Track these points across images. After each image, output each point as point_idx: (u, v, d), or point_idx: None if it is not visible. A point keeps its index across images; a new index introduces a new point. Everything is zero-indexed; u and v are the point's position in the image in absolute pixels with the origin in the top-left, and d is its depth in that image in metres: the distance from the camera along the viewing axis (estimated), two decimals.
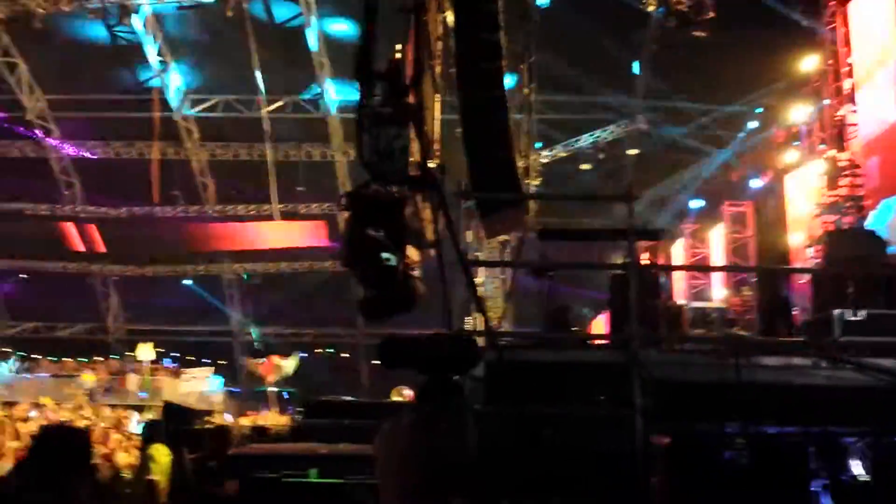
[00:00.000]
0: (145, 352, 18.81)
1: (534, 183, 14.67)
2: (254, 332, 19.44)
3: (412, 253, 4.79)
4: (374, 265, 4.62)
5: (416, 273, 4.84)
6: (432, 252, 5.20)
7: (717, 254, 17.52)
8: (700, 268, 15.46)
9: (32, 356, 22.58)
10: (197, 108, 20.22)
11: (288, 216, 21.40)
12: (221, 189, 21.63)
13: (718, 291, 16.59)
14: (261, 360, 21.04)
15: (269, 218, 21.32)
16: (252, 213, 21.57)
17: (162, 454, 7.31)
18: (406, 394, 13.01)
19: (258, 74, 18.15)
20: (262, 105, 19.68)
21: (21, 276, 22.67)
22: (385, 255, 4.60)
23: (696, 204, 18.99)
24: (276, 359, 20.47)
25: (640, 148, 19.16)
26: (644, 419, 4.03)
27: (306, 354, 23.37)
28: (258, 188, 21.11)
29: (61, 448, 2.60)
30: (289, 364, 20.38)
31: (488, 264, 13.87)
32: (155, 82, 19.05)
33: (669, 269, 9.41)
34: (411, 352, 3.96)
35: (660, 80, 17.58)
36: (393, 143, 4.75)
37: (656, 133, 18.93)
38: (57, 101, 20.19)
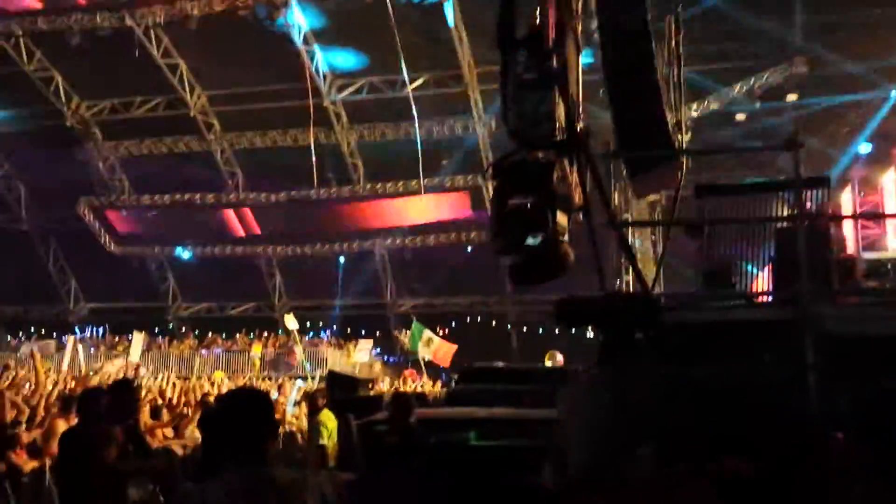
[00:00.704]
0: (290, 321, 19.80)
1: (685, 138, 14.01)
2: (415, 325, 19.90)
3: (561, 218, 4.76)
4: (522, 233, 4.65)
5: (565, 238, 4.82)
6: (580, 216, 5.14)
7: (891, 201, 16.14)
8: (874, 214, 14.30)
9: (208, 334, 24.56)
10: (344, 93, 20.88)
11: (434, 190, 21.77)
12: (370, 169, 22.31)
13: (894, 241, 15.30)
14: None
15: (417, 193, 21.78)
16: (400, 189, 22.10)
17: (329, 421, 7.74)
18: (559, 359, 12.96)
19: (400, 55, 18.44)
20: (404, 84, 20.07)
21: (194, 260, 24.43)
22: (534, 221, 4.61)
23: (864, 149, 17.57)
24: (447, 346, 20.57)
25: (800, 92, 17.83)
26: (818, 377, 3.84)
27: (455, 324, 23.87)
28: (404, 165, 21.60)
29: (253, 409, 2.70)
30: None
31: (641, 224, 13.49)
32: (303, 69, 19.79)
33: (840, 218, 8.75)
34: (590, 310, 3.96)
35: (819, 14, 16.25)
36: (538, 108, 4.73)
37: (817, 75, 17.49)
38: (216, 97, 21.46)
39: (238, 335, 24.28)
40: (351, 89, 20.86)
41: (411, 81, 19.92)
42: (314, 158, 19.76)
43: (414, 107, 19.98)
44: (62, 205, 22.77)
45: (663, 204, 14.47)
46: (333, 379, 9.48)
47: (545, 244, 4.57)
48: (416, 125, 20.27)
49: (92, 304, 25.74)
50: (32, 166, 23.03)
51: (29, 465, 6.00)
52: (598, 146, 5.92)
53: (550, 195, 4.64)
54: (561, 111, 4.81)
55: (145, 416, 7.59)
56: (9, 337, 24.88)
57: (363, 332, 23.76)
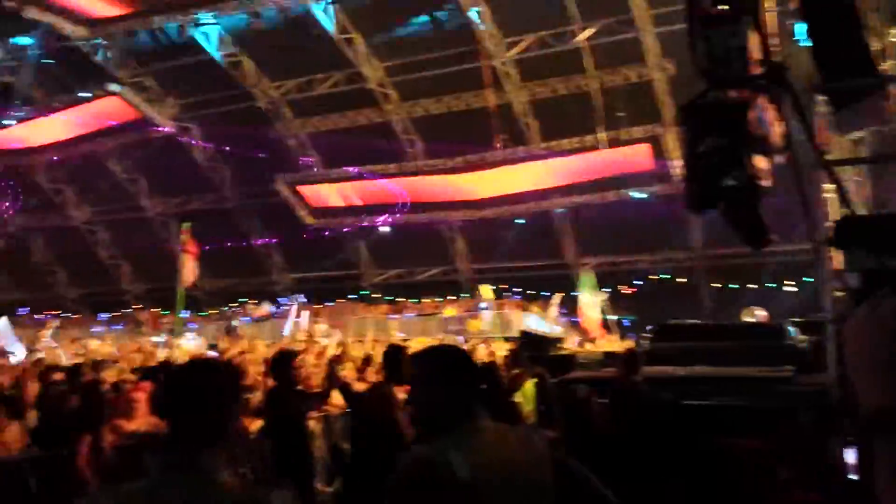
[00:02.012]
0: (486, 291, 20.16)
1: (891, 65, 12.66)
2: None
3: (759, 160, 4.46)
4: (717, 179, 4.40)
5: (766, 183, 4.51)
6: (780, 157, 4.80)
7: None
8: None
9: (398, 299, 25.64)
10: (513, 51, 20.76)
11: (611, 144, 21.21)
12: (544, 127, 22.10)
13: None
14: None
15: (594, 148, 21.31)
16: (576, 145, 21.73)
17: (524, 379, 7.82)
18: (759, 315, 12.29)
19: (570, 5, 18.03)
20: (576, 34, 19.65)
21: (382, 228, 25.47)
22: (730, 165, 4.35)
23: None
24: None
25: None
26: None
27: (642, 282, 23.26)
28: (578, 120, 21.20)
29: (466, 367, 2.73)
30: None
31: (851, 162, 12.41)
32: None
33: None
34: (871, 231, 3.70)
35: None
36: (728, 43, 4.43)
37: None
38: (391, 68, 22.09)
39: (426, 299, 25.15)
40: (520, 46, 20.68)
41: (581, 32, 19.44)
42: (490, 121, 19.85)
43: (585, 58, 19.49)
44: (261, 182, 24.50)
45: (873, 139, 13.19)
46: (526, 339, 9.59)
47: (743, 189, 4.31)
48: (589, 77, 19.79)
49: (294, 275, 27.71)
50: (233, 147, 24.95)
51: (255, 424, 6.53)
52: (796, 79, 5.48)
53: (747, 136, 4.36)
54: (754, 44, 4.48)
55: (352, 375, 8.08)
56: (228, 307, 27.20)
57: (546, 292, 23.77)
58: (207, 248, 26.94)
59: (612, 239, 23.29)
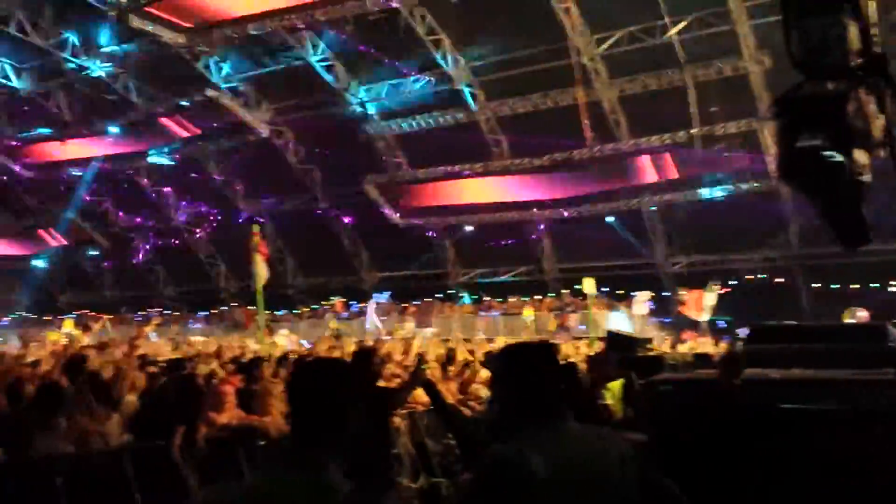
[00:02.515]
0: (589, 286, 19.52)
1: None
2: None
3: (859, 155, 4.25)
4: (816, 175, 4.21)
5: (866, 178, 4.30)
6: (882, 152, 4.56)
7: None
8: None
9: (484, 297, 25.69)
10: (602, 47, 20.43)
11: (705, 140, 20.62)
12: (634, 123, 21.66)
13: None
14: (688, 295, 20.92)
15: (686, 145, 20.76)
16: (667, 142, 21.20)
17: (613, 381, 7.67)
18: (861, 315, 11.73)
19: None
20: (668, 29, 19.21)
21: (467, 227, 25.55)
22: (830, 155, 4.16)
23: None
24: (701, 295, 20.14)
25: None
26: None
27: (736, 282, 22.52)
28: (669, 116, 20.69)
29: (546, 366, 2.68)
30: (710, 298, 19.92)
31: None
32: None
33: None
34: None
35: None
36: (826, 32, 4.23)
37: None
38: (478, 68, 22.12)
39: (511, 298, 25.10)
40: (609, 42, 20.34)
41: (673, 25, 18.98)
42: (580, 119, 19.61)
43: (678, 52, 19.00)
44: (351, 183, 24.96)
45: None
46: (613, 339, 9.43)
47: (842, 186, 4.11)
48: (681, 72, 19.28)
49: (382, 273, 28.14)
50: (324, 150, 25.55)
51: None
52: None
53: (845, 130, 4.16)
54: (853, 34, 4.26)
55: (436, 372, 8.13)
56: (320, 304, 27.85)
57: (634, 293, 23.34)
58: (299, 247, 28.04)
59: (703, 237, 22.66)
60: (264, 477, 2.32)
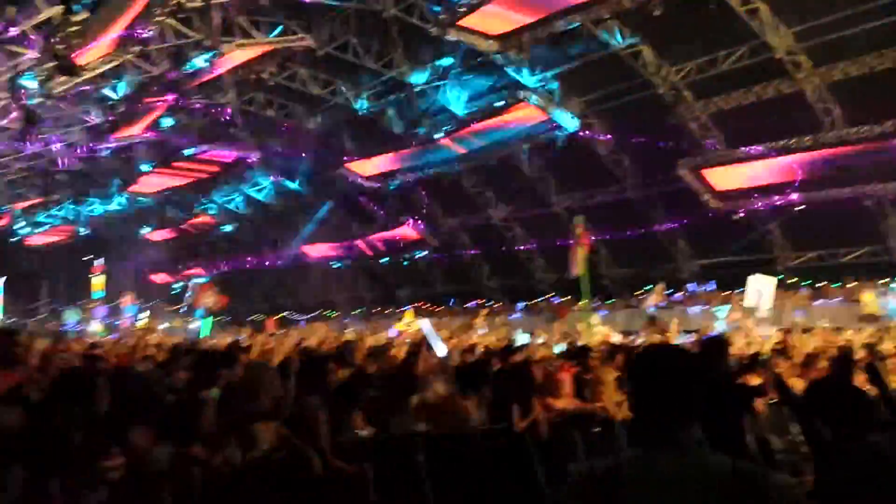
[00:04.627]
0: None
1: None
2: None
3: None
4: None
5: None
6: None
7: None
8: None
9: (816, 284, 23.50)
10: None
11: None
12: None
13: None
14: None
15: None
16: None
17: None
18: None
19: None
20: None
21: (798, 207, 23.48)
22: None
23: None
24: None
25: None
26: None
27: None
28: None
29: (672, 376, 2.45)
30: None
31: None
32: None
33: None
34: None
35: None
36: None
37: None
38: (802, 32, 20.22)
39: (849, 283, 22.70)
40: None
41: None
42: None
43: None
44: (663, 169, 24.33)
45: None
46: None
47: None
48: None
49: (701, 261, 27.04)
50: (633, 137, 25.21)
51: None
52: None
53: None
54: None
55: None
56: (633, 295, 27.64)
57: None
58: (611, 238, 27.99)
59: None
60: (634, 454, 2.40)
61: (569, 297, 28.11)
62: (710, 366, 5.90)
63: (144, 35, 18.13)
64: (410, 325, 22.07)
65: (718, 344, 6.54)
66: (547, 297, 30.74)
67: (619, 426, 6.90)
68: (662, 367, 2.42)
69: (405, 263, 34.76)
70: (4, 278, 37.91)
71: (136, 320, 37.52)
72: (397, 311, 32.51)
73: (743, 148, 22.89)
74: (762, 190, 23.37)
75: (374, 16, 22.46)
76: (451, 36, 20.41)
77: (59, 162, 30.69)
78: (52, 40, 13.91)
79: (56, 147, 28.72)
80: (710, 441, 2.35)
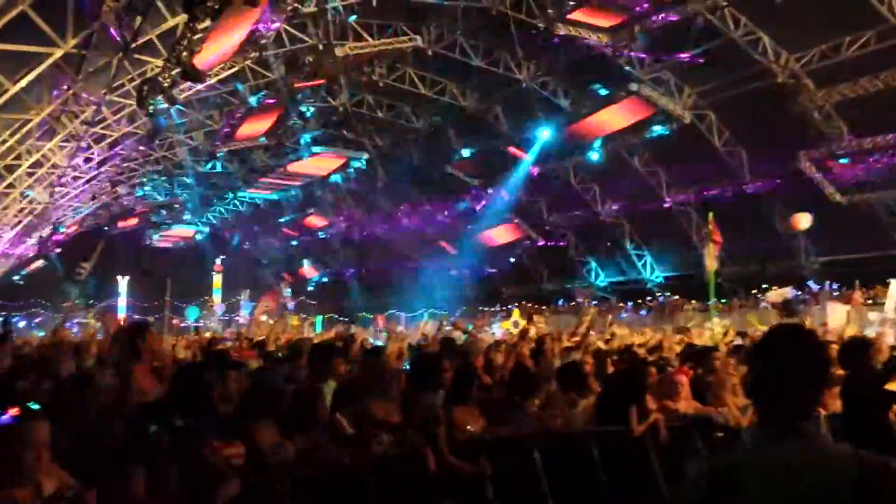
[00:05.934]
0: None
1: None
2: None
3: None
4: None
5: None
6: None
7: None
8: None
9: None
10: None
11: None
12: None
13: None
14: None
15: None
16: None
17: None
18: None
19: None
20: None
21: None
22: None
23: None
24: None
25: None
26: None
27: None
28: None
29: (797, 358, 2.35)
30: None
31: None
32: None
33: None
34: None
35: None
36: None
37: None
38: None
39: None
40: None
41: None
42: None
43: None
44: (782, 161, 23.25)
45: None
46: None
47: None
48: None
49: (824, 258, 25.72)
50: (750, 129, 24.21)
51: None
52: None
53: None
54: None
55: None
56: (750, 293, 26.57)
57: None
58: (726, 234, 26.89)
59: None
60: (754, 444, 2.35)
61: (678, 295, 27.40)
62: (853, 365, 5.60)
63: (262, 41, 18.81)
64: (517, 324, 21.93)
65: (861, 344, 6.18)
66: (659, 295, 30.04)
67: (744, 432, 6.62)
68: (790, 346, 2.31)
69: (511, 261, 34.63)
70: (127, 278, 40.00)
71: (250, 317, 39.03)
72: (501, 309, 32.45)
73: (869, 138, 21.61)
74: (890, 184, 22.04)
75: (482, 13, 22.44)
76: (561, 30, 20.17)
77: (184, 165, 32.22)
78: (178, 47, 14.56)
79: (179, 150, 30.21)
80: (855, 442, 2.29)
